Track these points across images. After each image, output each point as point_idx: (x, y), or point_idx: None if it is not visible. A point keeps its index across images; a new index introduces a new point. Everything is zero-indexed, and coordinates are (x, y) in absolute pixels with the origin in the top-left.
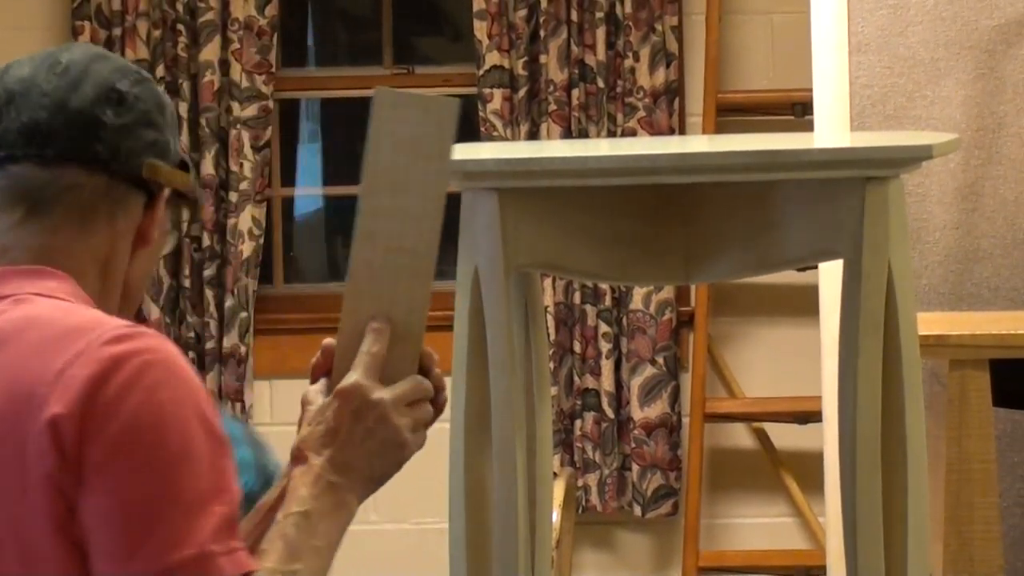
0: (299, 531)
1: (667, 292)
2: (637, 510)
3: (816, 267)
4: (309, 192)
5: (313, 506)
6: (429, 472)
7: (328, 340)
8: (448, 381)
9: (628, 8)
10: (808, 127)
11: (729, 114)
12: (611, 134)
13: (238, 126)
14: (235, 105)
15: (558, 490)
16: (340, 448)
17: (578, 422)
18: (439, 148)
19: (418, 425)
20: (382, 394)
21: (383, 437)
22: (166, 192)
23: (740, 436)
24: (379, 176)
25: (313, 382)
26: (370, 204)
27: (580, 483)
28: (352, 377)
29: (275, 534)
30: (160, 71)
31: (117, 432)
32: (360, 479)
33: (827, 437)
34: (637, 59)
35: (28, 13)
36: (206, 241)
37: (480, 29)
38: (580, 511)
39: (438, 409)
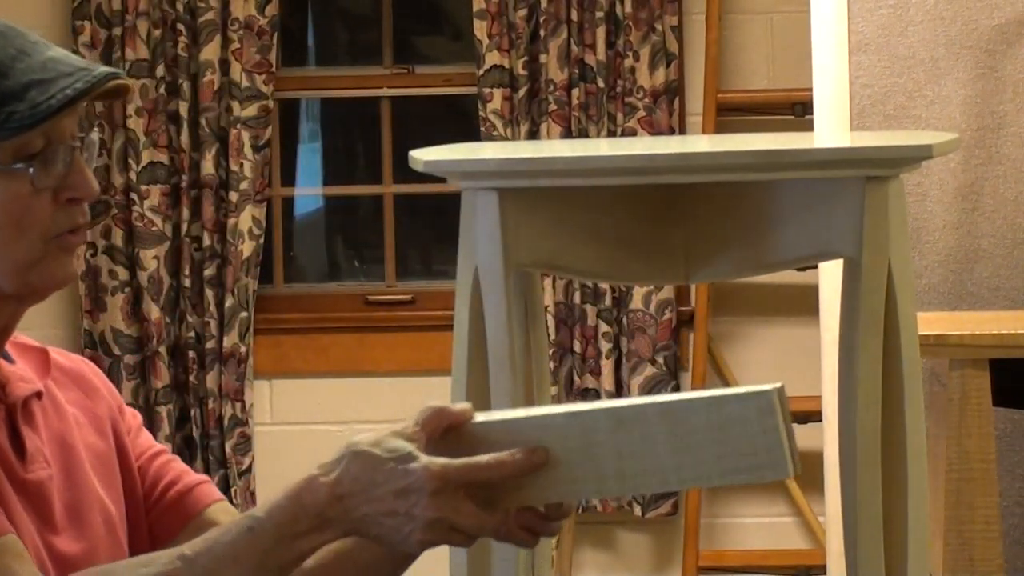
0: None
1: (667, 292)
2: (637, 510)
3: (816, 267)
4: (309, 192)
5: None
6: None
7: (463, 408)
8: (448, 380)
9: (628, 8)
10: (808, 127)
11: (729, 114)
12: (611, 134)
13: (238, 126)
14: (235, 105)
15: None
16: (354, 496)
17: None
18: (733, 466)
19: (434, 541)
20: (445, 501)
21: (398, 519)
22: None
23: None
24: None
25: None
26: (681, 422)
27: None
28: (439, 464)
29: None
30: (160, 71)
31: None
32: (348, 525)
33: (827, 437)
34: (637, 59)
35: (28, 13)
36: (206, 241)
37: (480, 29)
38: (580, 511)
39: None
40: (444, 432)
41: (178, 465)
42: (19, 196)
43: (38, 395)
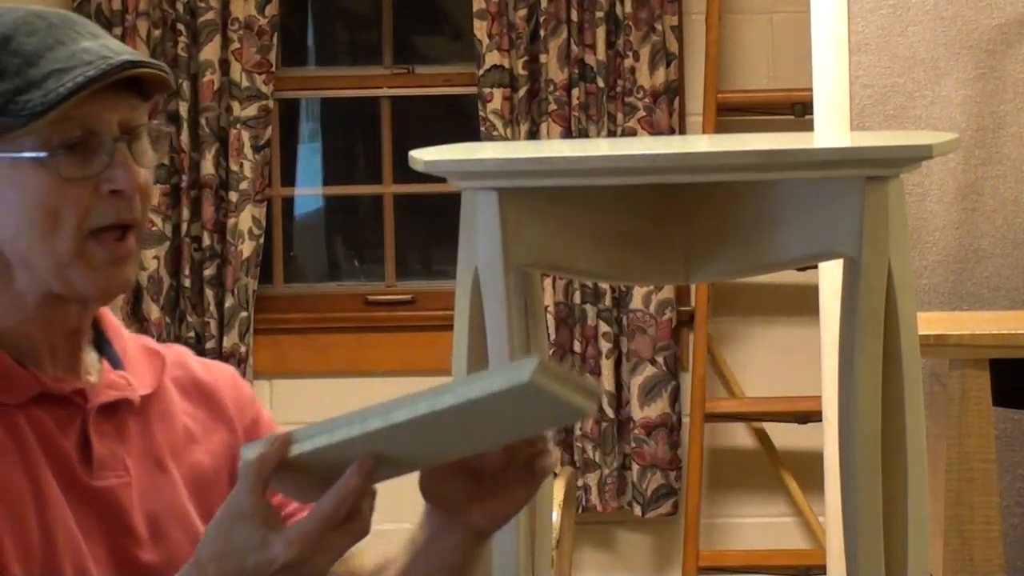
0: None
1: (667, 292)
2: (637, 510)
3: (816, 267)
4: (309, 192)
5: None
6: None
7: (276, 447)
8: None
9: (628, 8)
10: (808, 127)
11: (729, 114)
12: (611, 134)
13: (238, 126)
14: (235, 105)
15: (558, 490)
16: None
17: (578, 421)
18: (534, 424)
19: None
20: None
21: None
22: None
23: (740, 436)
24: (488, 405)
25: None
26: (464, 406)
27: (580, 483)
28: (296, 534)
29: None
30: None
31: None
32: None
33: (827, 437)
34: (637, 59)
35: None
36: (206, 241)
37: (480, 29)
38: (580, 511)
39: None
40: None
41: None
42: (49, 185)
43: (130, 403)
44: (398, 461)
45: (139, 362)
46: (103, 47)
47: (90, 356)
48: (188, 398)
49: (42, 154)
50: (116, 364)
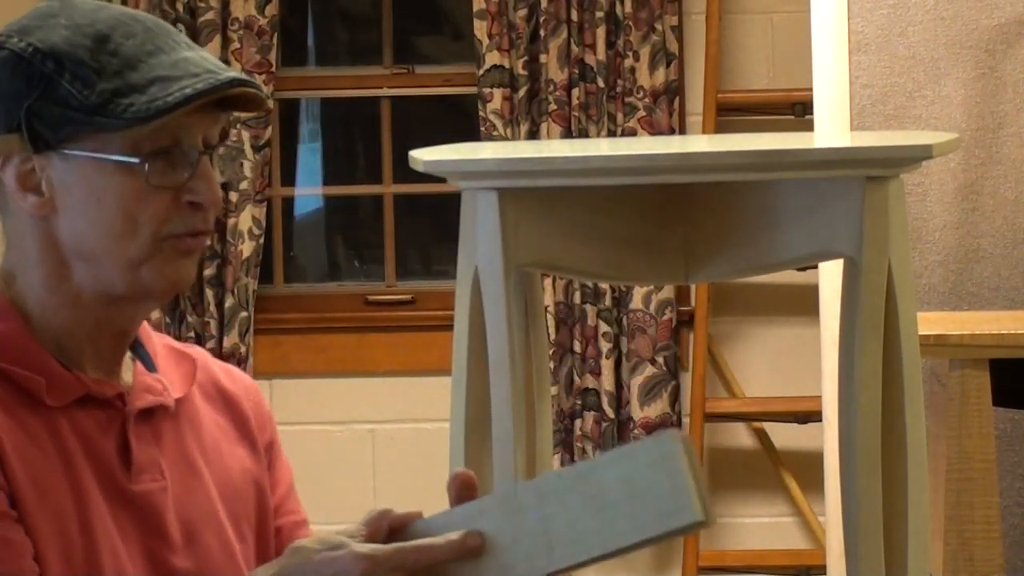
0: None
1: (667, 292)
2: None
3: (816, 267)
4: (309, 192)
5: None
6: (429, 472)
7: (408, 512)
8: (448, 380)
9: (628, 8)
10: (808, 127)
11: (729, 114)
12: (611, 134)
13: (238, 126)
14: None
15: None
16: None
17: (578, 422)
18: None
19: None
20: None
21: None
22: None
23: (740, 436)
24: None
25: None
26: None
27: None
28: (367, 548)
29: None
30: None
31: None
32: None
33: (827, 437)
34: (637, 59)
35: None
36: (206, 241)
37: (480, 29)
38: None
39: None
40: (390, 534)
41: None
42: (134, 190)
43: (166, 407)
44: (489, 562)
45: (169, 364)
46: (204, 59)
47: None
48: (212, 404)
49: (134, 159)
50: (149, 366)
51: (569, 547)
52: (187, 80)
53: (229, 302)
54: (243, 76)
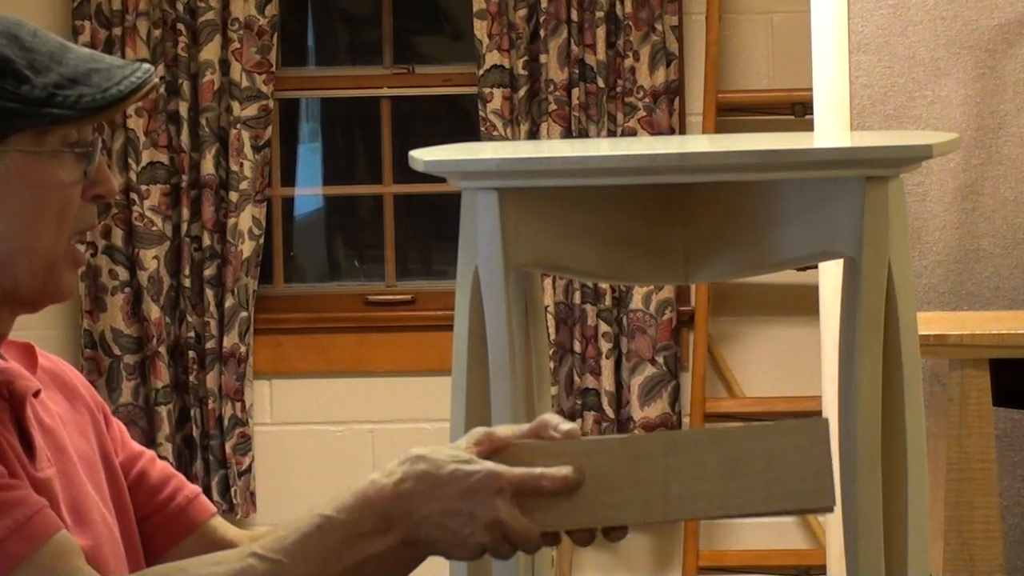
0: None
1: (667, 292)
2: None
3: (816, 267)
4: (309, 192)
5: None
6: None
7: (509, 433)
8: (448, 380)
9: (628, 8)
10: (808, 127)
11: (729, 114)
12: (611, 133)
13: (238, 126)
14: (235, 105)
15: None
16: (418, 495)
17: (578, 422)
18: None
19: (488, 546)
20: (504, 504)
21: (461, 518)
22: None
23: None
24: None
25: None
26: (734, 448)
27: None
28: (500, 467)
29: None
30: (160, 71)
31: None
32: (409, 529)
33: None
34: (637, 58)
35: (28, 13)
36: (206, 241)
37: (480, 28)
38: None
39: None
40: (493, 453)
41: (172, 472)
42: (67, 186)
43: (36, 393)
44: (601, 500)
45: (11, 353)
46: (103, 54)
47: None
48: (48, 386)
49: (79, 149)
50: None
51: (688, 501)
52: (120, 71)
53: (229, 302)
54: (150, 66)
